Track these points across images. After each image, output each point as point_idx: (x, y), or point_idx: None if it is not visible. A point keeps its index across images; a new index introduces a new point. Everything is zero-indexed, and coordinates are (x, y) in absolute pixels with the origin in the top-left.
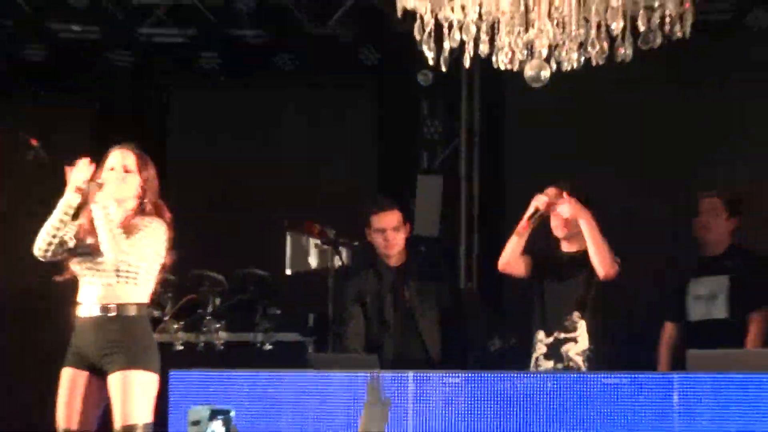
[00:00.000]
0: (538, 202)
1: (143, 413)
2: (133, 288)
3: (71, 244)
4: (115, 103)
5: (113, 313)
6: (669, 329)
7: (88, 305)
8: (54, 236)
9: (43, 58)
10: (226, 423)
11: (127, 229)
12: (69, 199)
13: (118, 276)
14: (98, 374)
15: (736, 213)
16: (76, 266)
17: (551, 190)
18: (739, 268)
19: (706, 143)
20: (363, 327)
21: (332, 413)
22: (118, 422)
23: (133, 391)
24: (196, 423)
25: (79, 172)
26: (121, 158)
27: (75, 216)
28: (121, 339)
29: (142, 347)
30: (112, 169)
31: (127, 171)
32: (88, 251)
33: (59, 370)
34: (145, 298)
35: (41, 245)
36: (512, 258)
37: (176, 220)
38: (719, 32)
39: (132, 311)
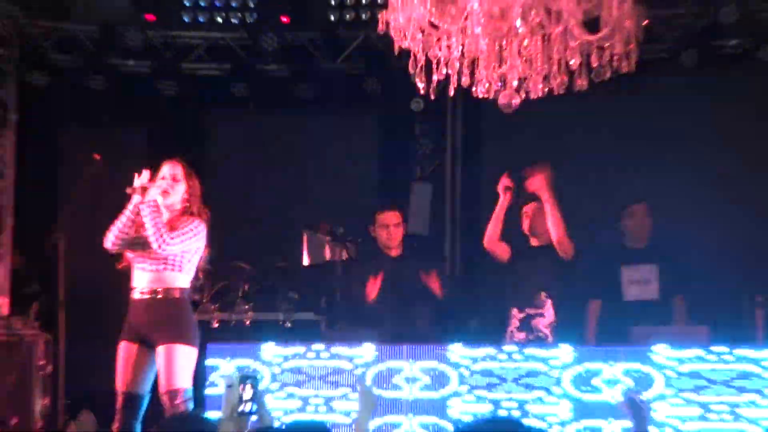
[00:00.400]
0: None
1: (184, 379)
2: (178, 274)
3: (128, 237)
4: (163, 124)
5: (161, 296)
6: (595, 305)
7: (140, 288)
8: (125, 233)
9: (104, 88)
10: (254, 386)
11: (174, 226)
12: (133, 202)
13: (165, 264)
14: (148, 346)
15: (651, 215)
16: (131, 255)
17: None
18: (661, 259)
19: (635, 157)
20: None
21: (339, 377)
22: (163, 386)
23: (177, 361)
24: (230, 386)
25: (139, 180)
26: (171, 169)
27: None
28: (167, 317)
29: (184, 325)
30: (163, 177)
31: (175, 180)
32: (141, 242)
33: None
34: (187, 283)
35: (113, 239)
36: (493, 237)
37: (213, 221)
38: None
39: (176, 294)
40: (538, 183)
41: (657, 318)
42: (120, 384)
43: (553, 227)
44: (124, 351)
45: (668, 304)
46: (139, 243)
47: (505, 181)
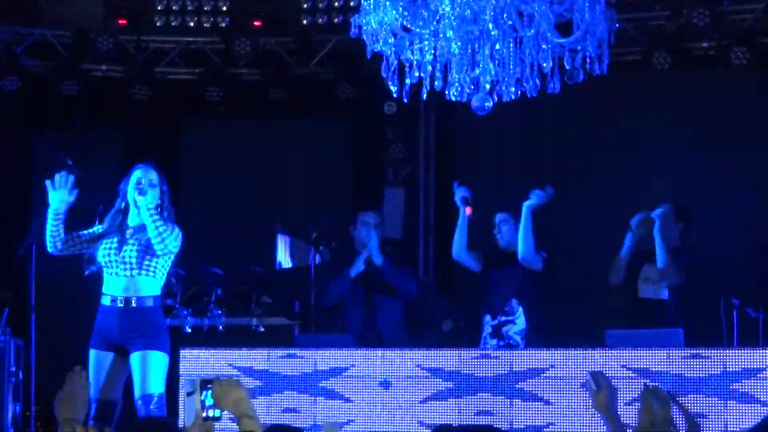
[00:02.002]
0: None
1: (158, 385)
2: (152, 280)
3: (84, 237)
4: (136, 129)
5: (134, 304)
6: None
7: (112, 295)
8: (56, 234)
9: (76, 93)
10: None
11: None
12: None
13: (140, 269)
14: (120, 353)
15: (681, 218)
16: (103, 261)
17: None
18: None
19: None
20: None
21: (315, 383)
22: (138, 392)
23: (151, 368)
24: (191, 392)
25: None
26: (144, 173)
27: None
28: (141, 325)
29: (157, 332)
30: (139, 183)
31: (151, 185)
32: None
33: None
34: (159, 289)
35: (51, 246)
36: (460, 247)
37: (186, 226)
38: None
39: (150, 302)
40: (529, 205)
41: (662, 320)
42: (93, 391)
43: (523, 242)
44: (96, 359)
45: (677, 306)
46: (84, 242)
47: (459, 192)
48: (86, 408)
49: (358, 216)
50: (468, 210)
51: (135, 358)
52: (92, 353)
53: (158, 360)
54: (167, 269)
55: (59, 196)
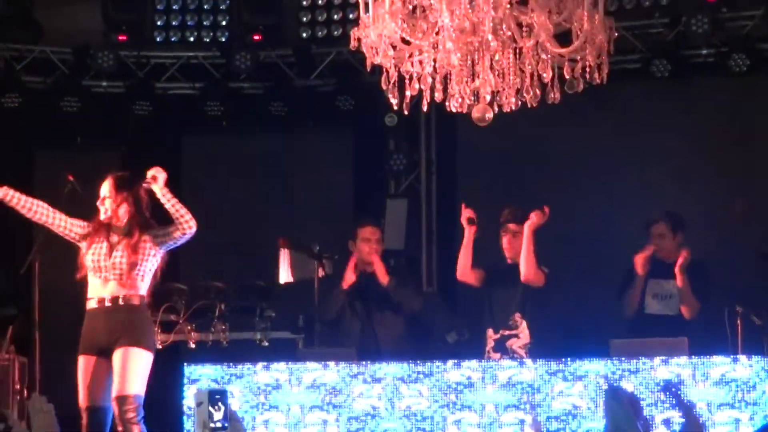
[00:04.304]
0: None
1: (137, 385)
2: (139, 282)
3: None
4: (137, 144)
5: (122, 303)
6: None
7: (98, 297)
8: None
9: (77, 109)
10: (224, 403)
11: (135, 243)
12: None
13: (130, 272)
14: (107, 356)
15: (678, 229)
16: (91, 264)
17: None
18: (693, 278)
19: (610, 169)
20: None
21: (319, 397)
22: (114, 391)
23: (131, 365)
24: (200, 404)
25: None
26: (104, 188)
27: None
28: (126, 323)
29: (142, 329)
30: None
31: (109, 197)
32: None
33: None
34: (145, 291)
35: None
36: (465, 268)
37: (188, 241)
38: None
39: (136, 301)
40: (530, 225)
41: (672, 332)
42: (82, 399)
43: (525, 264)
44: (84, 364)
45: (687, 320)
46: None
47: (466, 213)
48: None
49: (358, 231)
50: (473, 229)
51: (117, 354)
52: (80, 359)
53: (140, 357)
54: (152, 272)
55: None
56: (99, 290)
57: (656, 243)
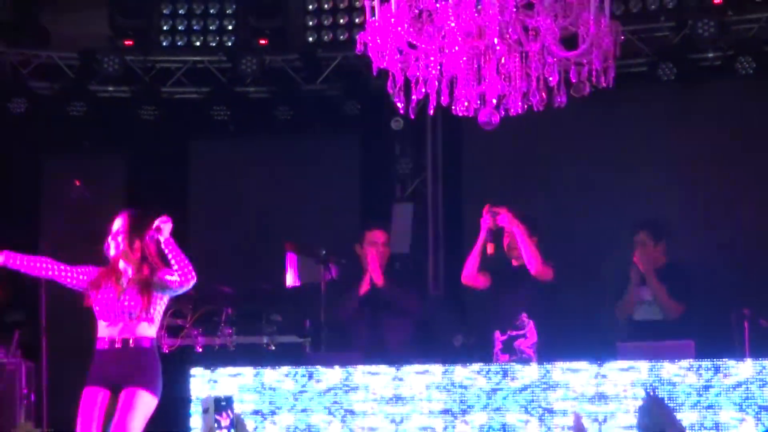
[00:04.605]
0: (485, 224)
1: (137, 426)
2: (149, 324)
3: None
4: (144, 149)
5: (132, 345)
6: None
7: (109, 339)
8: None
9: (83, 114)
10: (230, 409)
11: (148, 278)
12: None
13: (140, 314)
14: (115, 393)
15: (661, 237)
16: (99, 307)
17: (485, 209)
18: (671, 279)
19: (617, 172)
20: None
21: (327, 401)
22: (114, 429)
23: (135, 407)
24: (206, 411)
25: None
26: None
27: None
28: (137, 365)
29: (151, 373)
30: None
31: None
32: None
33: None
34: (155, 333)
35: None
36: (471, 272)
37: (194, 245)
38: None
39: (146, 344)
40: (505, 219)
41: (659, 335)
42: (86, 429)
43: (528, 257)
44: (93, 395)
45: (674, 324)
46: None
47: (490, 217)
48: None
49: (366, 235)
50: (490, 248)
51: (124, 394)
52: (89, 390)
53: (146, 401)
54: (162, 311)
55: None
56: (109, 331)
57: (638, 251)
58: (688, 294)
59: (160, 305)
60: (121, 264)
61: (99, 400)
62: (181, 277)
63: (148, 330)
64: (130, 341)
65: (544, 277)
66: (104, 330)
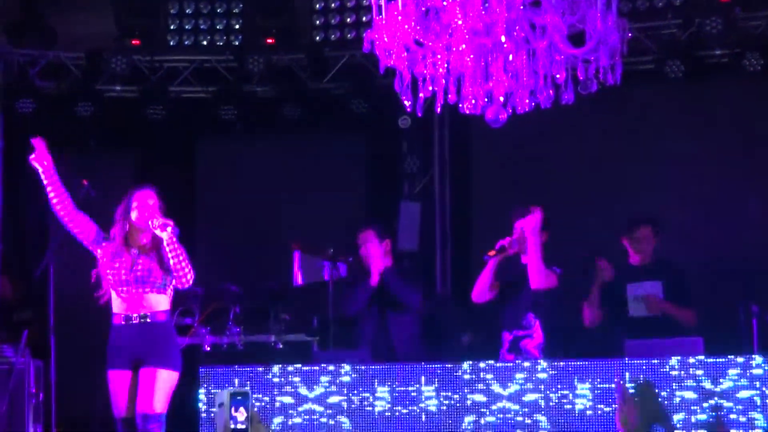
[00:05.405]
0: (506, 243)
1: (161, 404)
2: (163, 297)
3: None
4: (151, 148)
5: (149, 320)
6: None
7: (126, 314)
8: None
9: (90, 114)
10: (245, 405)
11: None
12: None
13: (153, 286)
14: (135, 370)
15: (658, 234)
16: (113, 279)
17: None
18: (665, 275)
19: (625, 169)
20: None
21: (335, 398)
22: (139, 408)
23: (158, 385)
24: (221, 405)
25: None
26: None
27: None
28: (156, 340)
29: (171, 349)
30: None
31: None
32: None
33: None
34: (168, 306)
35: (59, 211)
36: (483, 290)
37: (202, 244)
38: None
39: (163, 317)
40: (528, 226)
41: (660, 334)
42: (120, 410)
43: (532, 272)
44: (119, 378)
45: (671, 319)
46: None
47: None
48: None
49: (360, 235)
50: (490, 253)
51: (145, 372)
52: (113, 373)
53: (165, 379)
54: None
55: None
56: (125, 306)
57: (635, 246)
58: (689, 294)
59: (169, 281)
60: (137, 235)
61: (128, 380)
62: (175, 279)
63: (163, 304)
64: (147, 317)
65: (546, 287)
66: (120, 305)
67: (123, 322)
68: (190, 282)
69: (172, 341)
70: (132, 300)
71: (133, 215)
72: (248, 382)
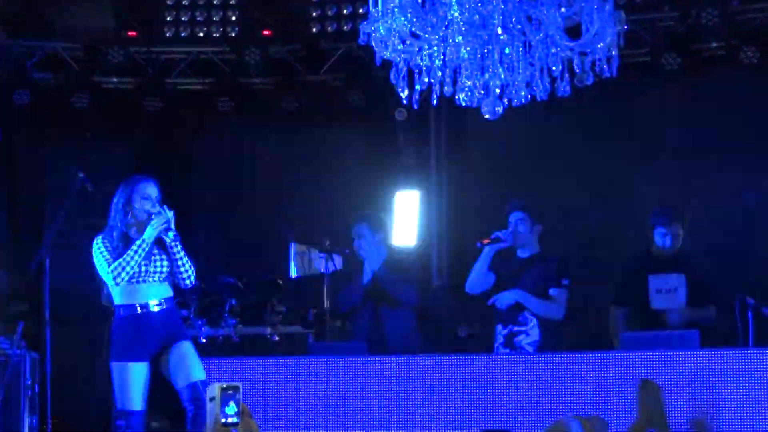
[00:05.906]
0: (501, 234)
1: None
2: (169, 287)
3: None
4: (148, 140)
5: (167, 306)
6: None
7: (145, 302)
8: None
9: (87, 106)
10: (236, 396)
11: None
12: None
13: (168, 275)
14: (153, 361)
15: (681, 222)
16: (132, 270)
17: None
18: (690, 267)
19: (622, 162)
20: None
21: (330, 391)
22: (193, 376)
23: (195, 354)
24: (212, 399)
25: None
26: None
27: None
28: (177, 322)
29: (185, 327)
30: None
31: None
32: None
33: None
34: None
35: (126, 276)
36: (477, 281)
37: (198, 236)
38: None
39: (172, 303)
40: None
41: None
42: (135, 403)
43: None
44: (138, 370)
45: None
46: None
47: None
48: None
49: (353, 229)
50: (485, 241)
51: (180, 347)
52: (132, 366)
53: (193, 348)
54: None
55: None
56: (143, 295)
57: (675, 240)
58: (712, 288)
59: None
60: (140, 226)
61: (145, 373)
62: (176, 280)
63: (171, 292)
64: (164, 303)
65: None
66: (137, 295)
67: (144, 311)
68: (193, 282)
69: (183, 322)
70: (150, 289)
71: (137, 206)
72: (241, 375)
